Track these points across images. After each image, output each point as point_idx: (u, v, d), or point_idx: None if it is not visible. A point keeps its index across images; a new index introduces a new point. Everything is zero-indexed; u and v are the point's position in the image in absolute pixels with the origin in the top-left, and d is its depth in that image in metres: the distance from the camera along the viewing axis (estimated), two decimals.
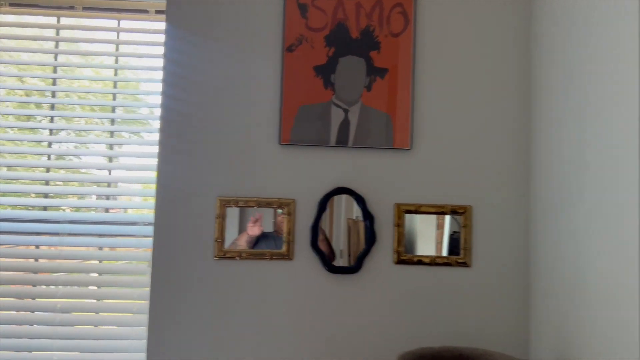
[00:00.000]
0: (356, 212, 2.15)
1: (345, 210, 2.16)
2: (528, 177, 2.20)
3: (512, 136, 2.21)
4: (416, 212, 2.16)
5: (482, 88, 2.22)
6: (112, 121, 2.37)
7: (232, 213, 2.12)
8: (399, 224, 2.15)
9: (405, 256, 2.15)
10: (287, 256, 2.12)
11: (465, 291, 2.15)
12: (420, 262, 2.15)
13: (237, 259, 2.10)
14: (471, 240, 2.17)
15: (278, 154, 2.15)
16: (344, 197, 2.15)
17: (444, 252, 2.17)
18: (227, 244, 2.11)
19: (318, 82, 2.16)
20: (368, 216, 2.12)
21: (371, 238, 2.12)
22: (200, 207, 2.11)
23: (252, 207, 2.12)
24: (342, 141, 2.15)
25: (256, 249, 2.12)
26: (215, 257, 2.09)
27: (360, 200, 2.13)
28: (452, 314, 2.14)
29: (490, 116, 2.21)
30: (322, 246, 2.13)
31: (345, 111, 2.16)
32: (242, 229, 2.12)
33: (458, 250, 2.17)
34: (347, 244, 2.15)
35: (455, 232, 2.18)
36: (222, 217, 2.11)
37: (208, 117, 2.14)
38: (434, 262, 2.15)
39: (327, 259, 2.11)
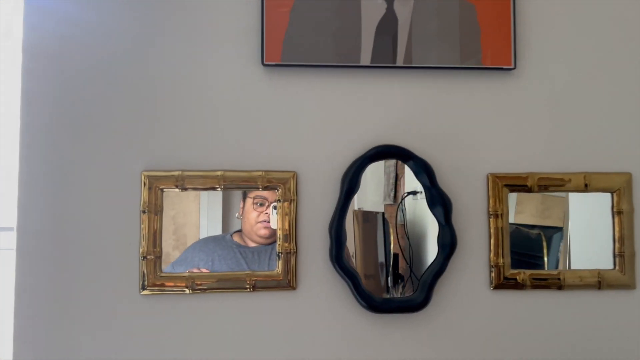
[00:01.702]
0: (399, 190, 1.12)
1: (393, 189, 1.13)
2: None
3: None
4: (531, 189, 1.13)
5: None
6: None
7: (189, 200, 1.08)
8: (498, 213, 1.12)
9: (513, 274, 1.11)
10: (286, 282, 1.08)
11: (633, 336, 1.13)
12: (537, 284, 1.12)
13: (188, 291, 1.06)
14: (634, 239, 1.14)
15: (260, 85, 1.11)
16: (390, 166, 1.12)
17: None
18: (171, 262, 1.07)
19: None
20: (439, 200, 1.09)
21: (447, 242, 1.08)
22: (108, 193, 1.07)
23: (215, 188, 1.08)
24: (383, 58, 1.11)
25: (225, 271, 1.09)
26: (145, 289, 1.05)
27: (423, 169, 1.09)
28: None
29: None
30: (354, 262, 1.10)
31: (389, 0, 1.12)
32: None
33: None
34: (401, 254, 1.12)
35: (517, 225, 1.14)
36: (154, 211, 1.06)
37: (111, 22, 1.09)
38: (563, 281, 1.12)
39: (363, 287, 1.07)
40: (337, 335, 1.08)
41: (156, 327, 1.06)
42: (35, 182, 1.05)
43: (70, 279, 1.05)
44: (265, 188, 1.08)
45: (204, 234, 1.09)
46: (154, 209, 1.06)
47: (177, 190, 1.07)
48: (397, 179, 1.12)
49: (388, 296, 1.10)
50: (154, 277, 1.06)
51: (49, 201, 1.05)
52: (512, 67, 1.13)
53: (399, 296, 1.10)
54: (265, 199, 1.09)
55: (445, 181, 1.12)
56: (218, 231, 1.10)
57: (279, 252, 1.08)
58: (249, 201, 1.09)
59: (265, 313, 1.08)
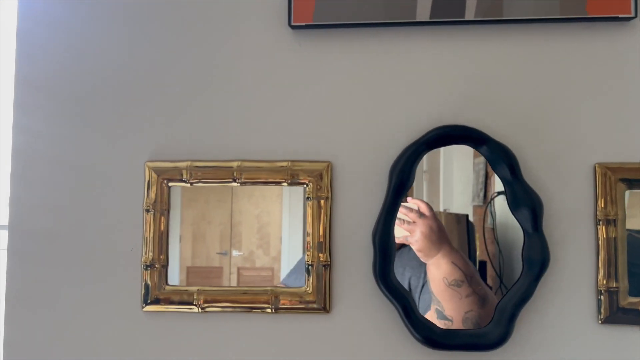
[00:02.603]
0: (489, 189, 0.84)
1: (483, 188, 0.86)
2: None
3: None
4: None
5: None
6: None
7: (272, 198, 0.90)
8: (610, 218, 0.81)
9: (633, 303, 0.80)
10: (317, 304, 0.84)
11: None
12: None
13: (198, 310, 0.86)
14: None
15: (287, 52, 0.88)
16: (480, 162, 0.85)
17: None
18: (181, 272, 0.89)
19: None
20: (524, 199, 0.80)
21: (536, 257, 0.79)
22: (106, 188, 0.90)
23: (228, 181, 0.87)
24: (447, 10, 0.84)
25: (246, 287, 0.88)
26: (147, 305, 0.87)
27: (501, 156, 0.81)
28: None
29: None
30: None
31: None
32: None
33: None
34: (489, 262, 0.85)
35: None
36: (160, 209, 0.88)
37: None
38: None
39: (418, 314, 0.81)
40: None
41: (159, 351, 0.87)
42: (27, 176, 0.90)
43: (64, 286, 0.88)
44: (291, 183, 0.86)
45: (285, 233, 0.90)
46: (159, 207, 0.87)
47: (185, 184, 0.87)
48: (487, 177, 0.85)
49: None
50: (157, 291, 0.87)
51: (42, 197, 0.90)
52: (631, 15, 0.81)
53: (467, 326, 0.82)
54: None
55: (534, 174, 0.82)
56: (299, 232, 0.89)
57: (308, 264, 0.85)
58: None
59: (290, 341, 0.85)
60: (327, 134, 0.86)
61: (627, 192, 0.81)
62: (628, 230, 0.82)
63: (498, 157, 0.80)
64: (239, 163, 0.86)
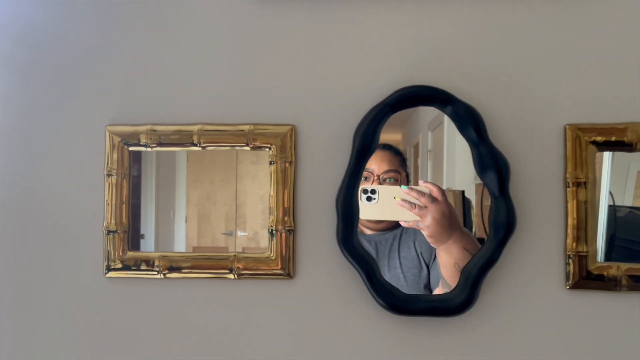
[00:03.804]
0: (457, 151, 0.82)
1: (462, 163, 0.83)
2: None
3: None
4: (631, 146, 0.78)
5: None
6: None
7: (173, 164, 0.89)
8: (580, 180, 0.78)
9: (601, 267, 0.78)
10: (280, 269, 0.83)
11: None
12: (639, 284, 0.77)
13: (161, 276, 0.85)
14: None
15: (249, 13, 0.85)
16: (420, 115, 0.82)
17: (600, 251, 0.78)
18: (152, 240, 0.88)
19: None
20: (490, 161, 0.77)
21: (501, 221, 0.77)
22: (67, 152, 0.88)
23: (187, 145, 0.85)
24: None
25: (209, 252, 0.86)
26: (110, 271, 0.86)
27: (467, 117, 0.78)
28: None
29: None
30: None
31: None
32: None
33: None
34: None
35: None
36: (121, 174, 0.86)
37: None
38: None
39: (381, 279, 0.80)
40: (345, 339, 0.82)
41: (123, 317, 0.86)
42: None
43: (26, 254, 0.87)
44: (253, 147, 0.83)
45: None
46: (121, 172, 0.86)
47: (148, 149, 0.85)
48: None
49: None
50: (120, 256, 0.86)
51: (3, 165, 0.88)
52: None
53: (429, 292, 0.81)
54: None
55: (502, 136, 0.80)
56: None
57: (272, 230, 0.83)
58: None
59: (254, 306, 0.84)
60: (291, 97, 0.84)
61: (601, 156, 0.78)
62: (631, 208, 0.79)
63: (464, 118, 0.78)
64: (200, 127, 0.84)
